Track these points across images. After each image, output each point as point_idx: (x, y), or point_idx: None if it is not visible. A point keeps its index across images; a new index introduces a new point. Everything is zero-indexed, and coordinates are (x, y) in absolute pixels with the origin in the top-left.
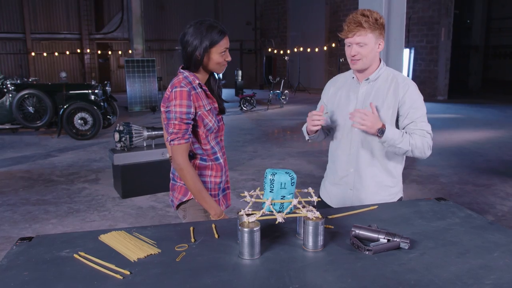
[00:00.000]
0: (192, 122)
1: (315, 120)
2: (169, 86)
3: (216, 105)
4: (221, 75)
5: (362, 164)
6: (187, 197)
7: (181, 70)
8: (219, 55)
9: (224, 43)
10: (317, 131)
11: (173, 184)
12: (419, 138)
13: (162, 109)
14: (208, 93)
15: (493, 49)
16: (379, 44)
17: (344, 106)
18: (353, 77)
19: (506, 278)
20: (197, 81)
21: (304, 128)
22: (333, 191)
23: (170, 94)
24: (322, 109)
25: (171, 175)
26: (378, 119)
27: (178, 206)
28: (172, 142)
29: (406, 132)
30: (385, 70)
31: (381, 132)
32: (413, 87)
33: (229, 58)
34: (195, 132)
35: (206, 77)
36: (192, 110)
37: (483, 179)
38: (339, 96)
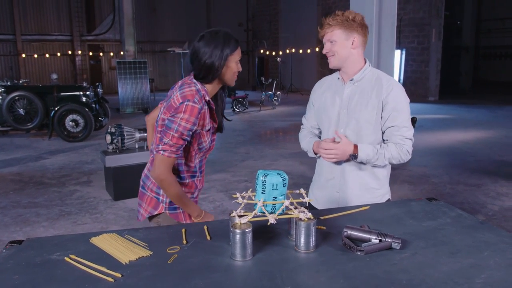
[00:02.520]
0: (189, 139)
1: (327, 152)
2: (178, 95)
3: (216, 125)
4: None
5: (347, 166)
6: (158, 211)
7: (194, 81)
8: (235, 64)
9: (239, 51)
10: None
11: (142, 193)
12: (395, 148)
13: (163, 116)
14: (214, 112)
15: (483, 49)
16: (353, 40)
17: (329, 108)
18: (338, 78)
19: (496, 277)
20: (207, 97)
21: (307, 147)
22: (319, 194)
23: (181, 106)
24: (333, 139)
25: (141, 182)
26: (347, 145)
27: (150, 219)
28: (163, 152)
29: (381, 146)
30: (370, 71)
31: (353, 157)
32: (398, 89)
33: (240, 69)
34: (186, 149)
35: (216, 91)
36: (195, 128)
37: (474, 179)
38: (324, 98)
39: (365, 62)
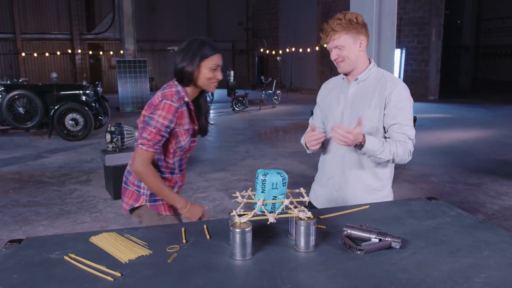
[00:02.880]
0: (167, 136)
1: (312, 141)
2: (159, 93)
3: (196, 127)
4: (212, 96)
5: (348, 166)
6: (139, 203)
7: (176, 83)
8: (209, 70)
9: (215, 59)
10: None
11: (125, 189)
12: (401, 145)
13: (144, 112)
14: (193, 113)
15: (483, 49)
16: (360, 42)
17: (333, 108)
18: (343, 78)
19: (496, 276)
20: (186, 98)
21: (303, 142)
22: (320, 192)
23: (159, 104)
24: (313, 127)
25: (124, 178)
26: (360, 136)
27: (131, 211)
28: (141, 146)
29: (386, 141)
30: (375, 71)
31: (360, 146)
32: (401, 87)
33: (220, 77)
34: (165, 145)
35: (195, 94)
36: (172, 125)
37: (473, 178)
38: (329, 98)
39: (370, 62)
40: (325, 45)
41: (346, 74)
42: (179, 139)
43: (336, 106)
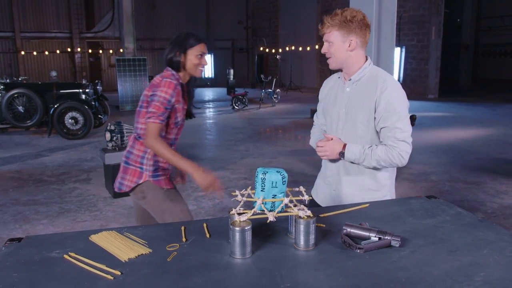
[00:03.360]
0: (169, 109)
1: (318, 149)
2: (158, 76)
3: (185, 106)
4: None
5: (343, 166)
6: (142, 180)
7: (169, 69)
8: (195, 57)
9: (200, 47)
10: None
11: (125, 168)
12: (384, 150)
13: (146, 92)
14: (185, 94)
15: (482, 47)
16: (350, 42)
17: (331, 106)
18: (339, 77)
19: (496, 274)
20: (180, 80)
21: (313, 144)
22: (321, 189)
23: (160, 82)
24: (328, 138)
25: (123, 159)
26: (336, 143)
27: (133, 189)
28: (148, 120)
29: (369, 147)
30: (370, 70)
31: (342, 155)
32: (391, 88)
33: (205, 63)
34: (166, 124)
35: (186, 78)
36: (173, 100)
37: (473, 177)
38: (329, 96)
39: (365, 61)
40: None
41: (342, 73)
42: (177, 114)
43: (333, 106)
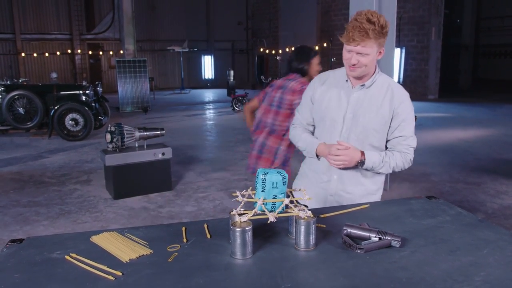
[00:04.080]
0: None
1: (335, 158)
2: (296, 83)
3: None
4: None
5: (346, 172)
6: (274, 166)
7: (297, 76)
8: (316, 65)
9: (318, 58)
10: None
11: (258, 156)
12: (400, 157)
13: (289, 97)
14: None
15: (482, 48)
16: (380, 51)
17: (334, 110)
18: (347, 80)
19: (495, 274)
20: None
21: (306, 147)
22: (315, 191)
23: (302, 89)
24: (339, 142)
25: (257, 148)
26: (355, 152)
27: None
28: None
29: (386, 154)
30: (380, 77)
31: (361, 163)
32: (408, 99)
33: (320, 68)
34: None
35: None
36: None
37: (473, 177)
38: (329, 97)
39: (376, 67)
40: (344, 42)
41: (349, 76)
42: None
43: (337, 109)
